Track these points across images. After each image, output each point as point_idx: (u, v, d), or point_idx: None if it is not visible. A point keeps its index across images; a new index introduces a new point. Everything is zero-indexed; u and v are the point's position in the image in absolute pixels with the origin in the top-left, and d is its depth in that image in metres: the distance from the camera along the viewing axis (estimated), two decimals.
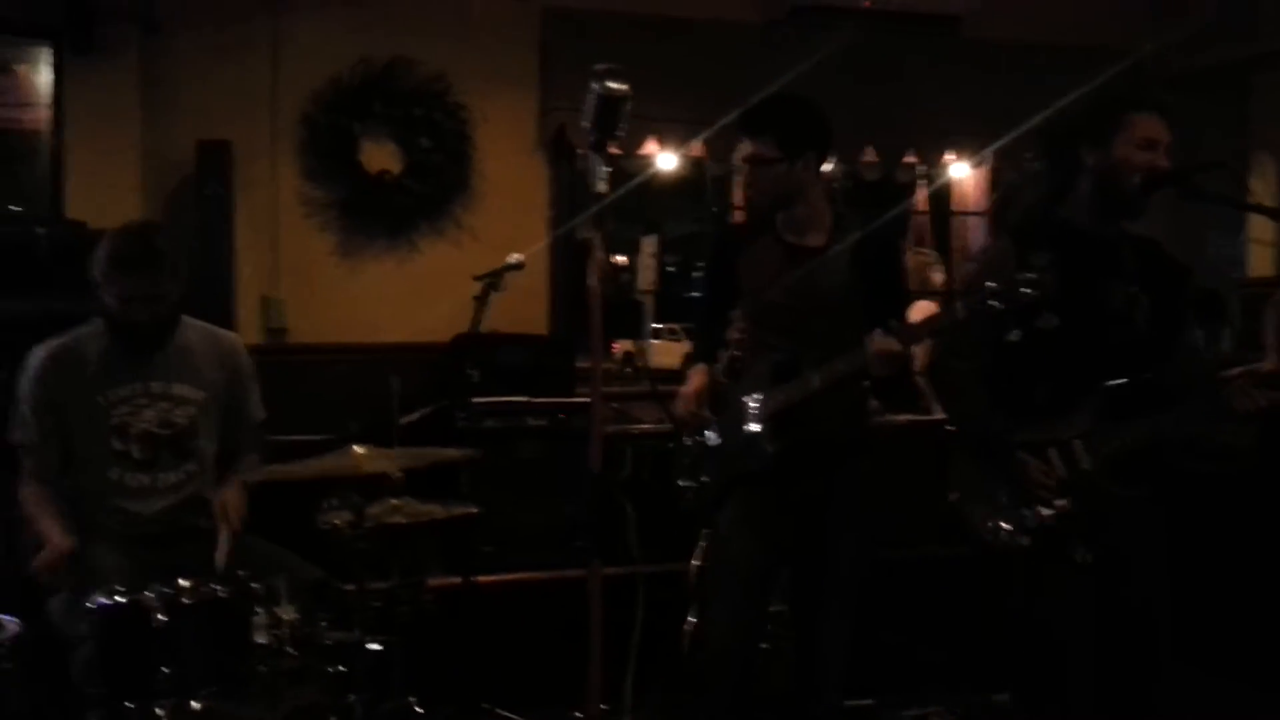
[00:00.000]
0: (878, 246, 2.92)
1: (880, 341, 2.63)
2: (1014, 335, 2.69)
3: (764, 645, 3.45)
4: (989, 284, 2.54)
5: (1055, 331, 2.69)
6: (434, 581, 3.61)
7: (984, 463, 2.76)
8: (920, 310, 3.15)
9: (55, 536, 2.82)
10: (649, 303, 5.75)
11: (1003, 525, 2.66)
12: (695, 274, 6.19)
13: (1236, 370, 2.91)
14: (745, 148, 2.85)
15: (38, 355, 3.01)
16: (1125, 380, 2.70)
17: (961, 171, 5.67)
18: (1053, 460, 2.68)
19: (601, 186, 2.27)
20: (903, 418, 4.55)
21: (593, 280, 2.31)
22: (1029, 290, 2.49)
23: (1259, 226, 5.15)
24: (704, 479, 3.03)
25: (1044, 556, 2.66)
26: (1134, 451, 2.65)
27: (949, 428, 2.95)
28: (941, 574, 4.07)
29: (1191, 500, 3.90)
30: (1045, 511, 2.63)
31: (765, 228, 2.96)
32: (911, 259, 5.61)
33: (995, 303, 2.52)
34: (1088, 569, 2.64)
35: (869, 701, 3.76)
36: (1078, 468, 2.67)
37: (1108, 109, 2.74)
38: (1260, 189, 4.87)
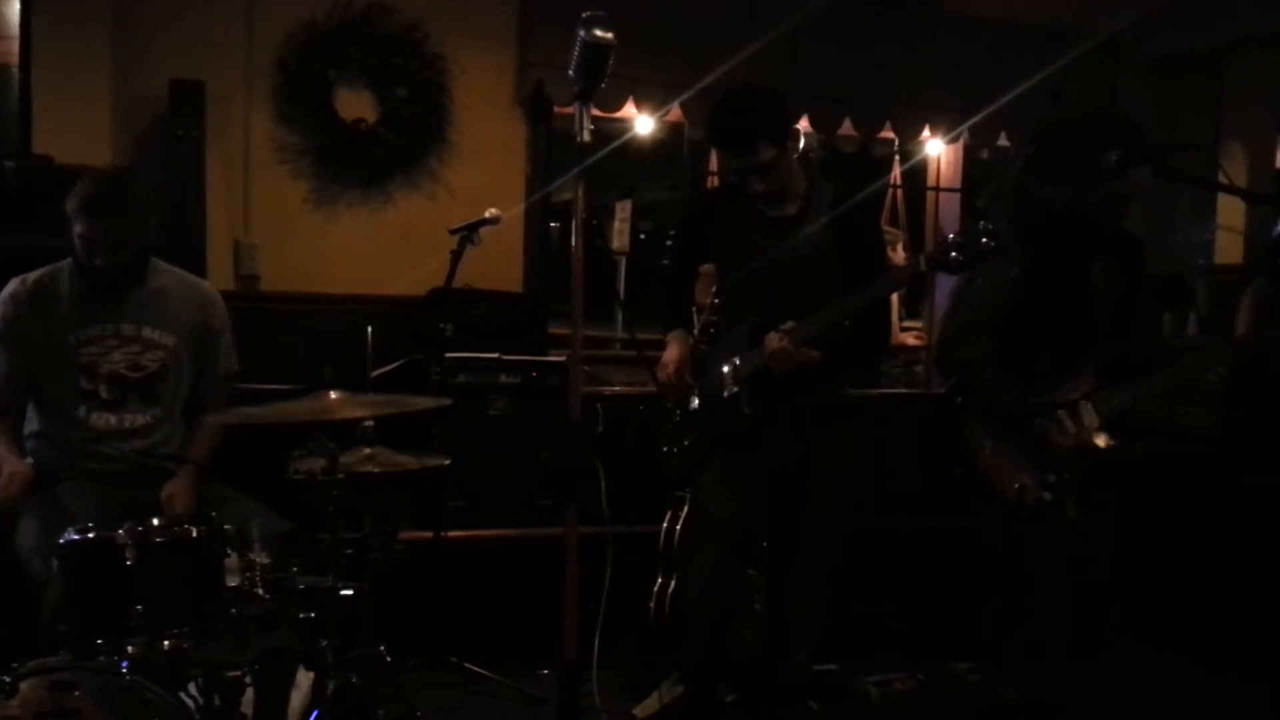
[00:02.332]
0: (854, 216, 2.94)
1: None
2: (977, 284, 2.94)
3: (739, 607, 3.49)
4: (950, 236, 2.67)
5: (1021, 283, 2.92)
6: (405, 535, 3.59)
7: (1003, 429, 2.95)
8: None
9: (9, 461, 2.84)
10: (621, 267, 5.73)
11: (1029, 486, 2.89)
12: (669, 241, 6.18)
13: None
14: (747, 160, 2.85)
15: (12, 288, 2.99)
16: (1117, 347, 2.97)
17: (936, 148, 5.69)
18: (1063, 421, 2.90)
19: (586, 136, 2.25)
20: (877, 391, 4.59)
21: (576, 234, 2.30)
22: (987, 241, 2.62)
23: (1228, 213, 5.22)
24: (685, 443, 3.04)
25: (1035, 513, 2.87)
26: (1130, 409, 2.90)
27: (958, 400, 3.08)
28: (905, 544, 4.13)
29: (1154, 482, 3.98)
30: (1050, 478, 2.87)
31: (738, 196, 2.98)
32: None
33: (956, 254, 2.63)
34: (1073, 523, 2.86)
35: (834, 666, 3.80)
36: (1084, 426, 2.88)
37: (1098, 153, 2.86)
38: (1231, 174, 4.93)
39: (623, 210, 5.65)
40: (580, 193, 2.28)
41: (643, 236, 6.24)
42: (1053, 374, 2.95)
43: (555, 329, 4.65)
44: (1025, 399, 2.93)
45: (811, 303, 2.82)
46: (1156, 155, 2.88)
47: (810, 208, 2.92)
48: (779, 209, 2.93)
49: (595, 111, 2.26)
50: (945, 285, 4.94)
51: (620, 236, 5.58)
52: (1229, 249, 5.25)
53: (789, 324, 2.77)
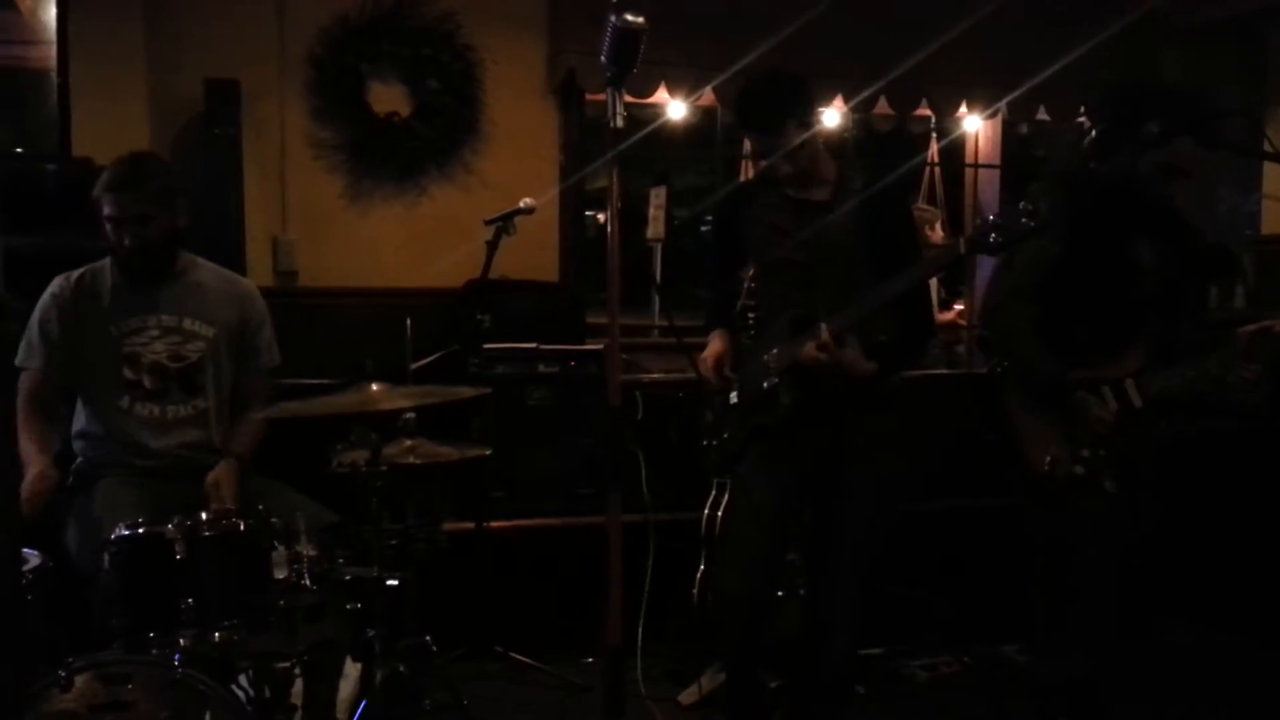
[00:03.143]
0: (885, 199, 2.92)
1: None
2: (1016, 264, 2.90)
3: (779, 593, 3.48)
4: (990, 217, 2.64)
5: (1068, 267, 2.88)
6: (447, 526, 3.61)
7: (1041, 401, 2.93)
8: None
9: (34, 463, 2.83)
10: (657, 254, 5.72)
11: (1061, 459, 2.88)
12: (705, 227, 6.15)
13: (1250, 327, 3.02)
14: (774, 141, 2.83)
15: (55, 286, 3.06)
16: (1166, 328, 2.93)
17: (974, 124, 5.62)
18: (1106, 397, 2.87)
19: (619, 122, 2.24)
20: (918, 372, 4.54)
21: (611, 221, 2.30)
22: (1027, 221, 2.58)
23: (1274, 182, 5.11)
24: (725, 435, 3.03)
25: (1076, 488, 2.87)
26: (1179, 391, 2.86)
27: (998, 370, 3.06)
28: (950, 526, 4.10)
29: (1200, 458, 3.93)
30: (1084, 453, 2.85)
31: (769, 184, 2.97)
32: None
33: (996, 235, 2.60)
34: (1113, 500, 2.85)
35: (879, 650, 3.79)
36: (1130, 405, 2.86)
37: (1159, 125, 2.86)
38: (1278, 142, 4.82)
39: (657, 197, 5.62)
40: (614, 179, 2.28)
41: (676, 222, 6.21)
42: (1088, 348, 2.92)
43: (592, 318, 4.64)
44: (1063, 370, 2.90)
45: (843, 289, 2.80)
46: (1199, 124, 2.84)
47: (839, 195, 2.91)
48: (807, 193, 2.92)
49: (627, 97, 2.25)
50: (987, 265, 4.89)
51: (655, 224, 5.55)
52: (1276, 219, 5.15)
53: (823, 332, 2.73)
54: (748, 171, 5.38)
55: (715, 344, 3.06)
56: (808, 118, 2.84)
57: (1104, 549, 2.91)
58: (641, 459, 3.61)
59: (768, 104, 2.84)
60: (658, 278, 5.53)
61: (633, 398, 3.99)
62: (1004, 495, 3.28)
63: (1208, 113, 2.95)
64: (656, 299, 5.14)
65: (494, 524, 3.86)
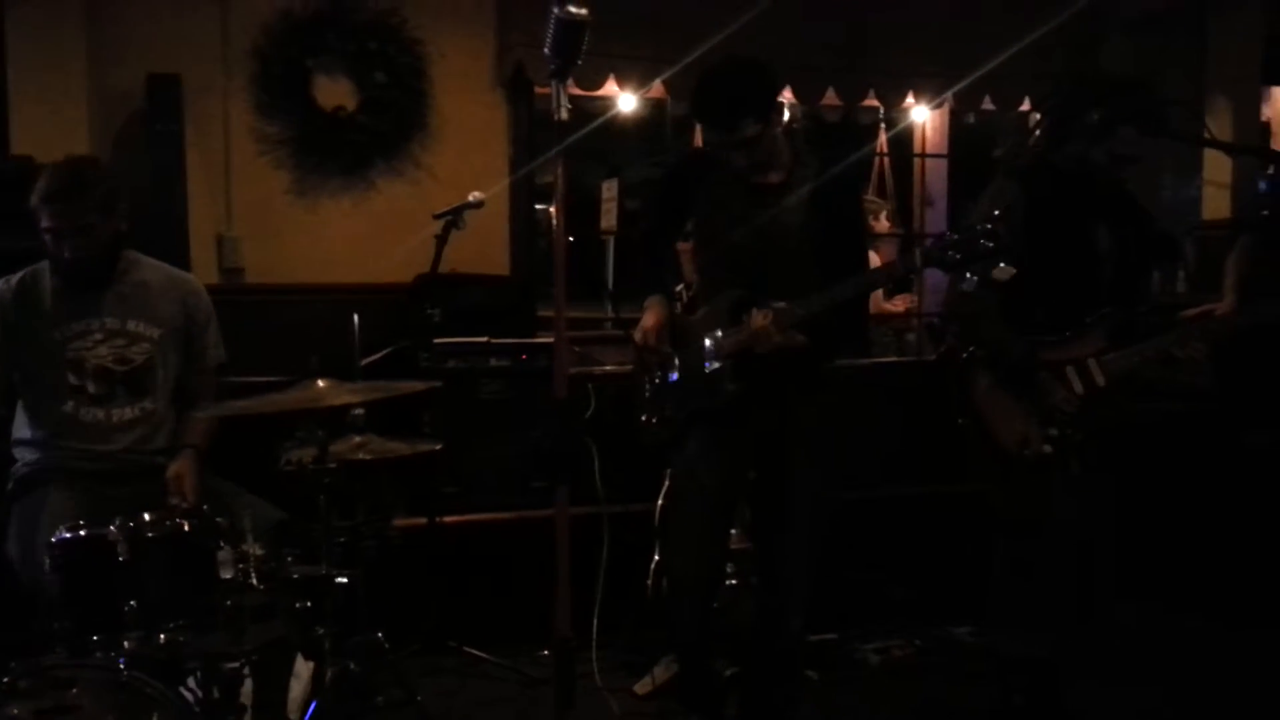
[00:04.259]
0: (838, 189, 2.91)
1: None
2: (967, 285, 2.82)
3: (731, 582, 3.50)
4: (949, 234, 2.65)
5: (1029, 256, 2.84)
6: (399, 522, 3.60)
7: (1010, 382, 2.98)
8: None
9: None
10: (609, 246, 5.71)
11: (1029, 438, 2.92)
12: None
13: (1192, 311, 3.08)
14: (729, 136, 2.77)
15: None
16: (1124, 310, 2.98)
17: (922, 114, 5.67)
18: (1070, 378, 2.93)
19: (564, 115, 2.24)
20: (867, 360, 4.58)
21: (557, 214, 2.30)
22: (985, 242, 2.60)
23: (1214, 169, 5.21)
24: (665, 413, 3.02)
25: (1044, 467, 2.93)
26: (1136, 370, 2.94)
27: (964, 355, 3.09)
28: (901, 512, 4.14)
29: (1154, 439, 3.99)
30: (1053, 431, 2.91)
31: (723, 161, 2.91)
32: None
33: (953, 253, 2.60)
34: (1078, 481, 2.91)
35: (833, 635, 3.82)
36: (1094, 384, 2.92)
37: (1100, 114, 2.91)
38: (1217, 128, 4.92)
39: (609, 190, 5.62)
40: (560, 172, 2.28)
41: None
42: (1049, 333, 2.97)
43: (543, 311, 4.64)
44: (1033, 350, 2.95)
45: (794, 275, 2.79)
46: (1141, 113, 2.90)
47: (793, 178, 2.88)
48: (763, 176, 2.88)
49: (575, 90, 2.26)
50: None
51: (608, 216, 5.55)
52: (1216, 205, 5.25)
53: (780, 304, 2.73)
54: None
55: (651, 315, 2.95)
56: (766, 111, 2.75)
57: (1067, 528, 2.96)
58: (594, 451, 3.61)
59: (724, 98, 2.76)
60: (610, 270, 5.52)
61: (585, 390, 3.99)
62: (954, 481, 3.32)
63: (1149, 101, 3.00)
64: (606, 296, 5.14)
65: (446, 519, 3.85)
